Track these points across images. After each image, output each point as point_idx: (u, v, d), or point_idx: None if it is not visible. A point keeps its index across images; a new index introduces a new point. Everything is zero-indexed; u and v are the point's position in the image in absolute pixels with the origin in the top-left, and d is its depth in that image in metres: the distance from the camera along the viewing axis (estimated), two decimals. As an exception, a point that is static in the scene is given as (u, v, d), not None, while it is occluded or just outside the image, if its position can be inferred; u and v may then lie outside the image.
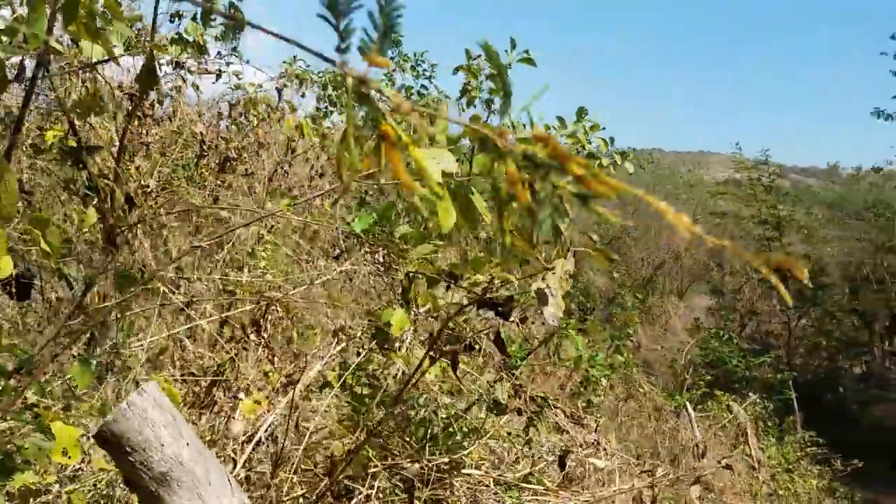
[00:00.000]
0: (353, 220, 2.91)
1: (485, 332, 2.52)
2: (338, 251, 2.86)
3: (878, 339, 19.91)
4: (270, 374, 3.04)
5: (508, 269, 2.12)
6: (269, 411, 2.85)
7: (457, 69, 5.64)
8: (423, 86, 8.24)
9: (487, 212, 2.31)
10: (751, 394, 8.42)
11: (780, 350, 12.49)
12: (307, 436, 2.75)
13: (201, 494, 1.50)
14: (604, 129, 4.46)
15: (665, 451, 5.71)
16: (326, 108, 7.43)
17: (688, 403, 6.27)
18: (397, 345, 2.95)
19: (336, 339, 2.98)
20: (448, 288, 2.28)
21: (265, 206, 3.12)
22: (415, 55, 8.09)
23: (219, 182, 4.21)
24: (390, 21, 0.61)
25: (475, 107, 5.67)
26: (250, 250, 3.21)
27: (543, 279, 1.98)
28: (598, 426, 2.93)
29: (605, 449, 2.85)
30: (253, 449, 2.68)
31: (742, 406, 7.60)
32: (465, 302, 2.30)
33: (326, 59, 0.61)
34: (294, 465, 2.69)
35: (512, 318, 2.17)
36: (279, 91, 4.67)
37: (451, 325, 2.66)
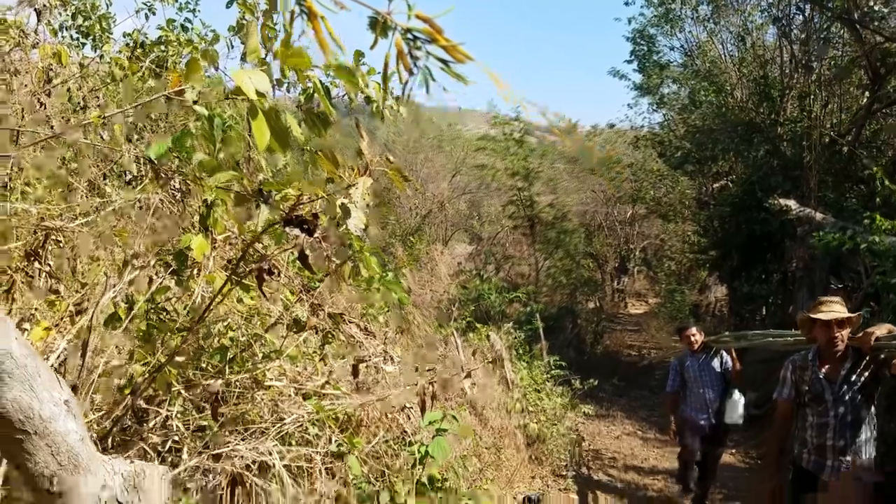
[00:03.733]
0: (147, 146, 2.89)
1: (290, 250, 2.70)
2: (129, 176, 2.82)
3: (609, 278, 23.04)
4: (56, 302, 2.94)
5: (316, 187, 2.32)
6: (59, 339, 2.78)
7: (230, 2, 5.51)
8: (186, 19, 7.83)
9: (300, 134, 2.49)
10: (506, 324, 9.44)
11: (530, 287, 14.02)
12: (103, 361, 2.74)
13: (33, 387, 1.56)
14: (379, 73, 4.69)
15: (436, 374, 6.27)
16: (77, 38, 6.83)
17: (454, 332, 6.93)
18: (195, 272, 3.01)
19: (128, 267, 2.96)
20: (258, 206, 2.42)
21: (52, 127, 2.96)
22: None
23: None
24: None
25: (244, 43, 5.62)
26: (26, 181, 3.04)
27: (347, 195, 2.21)
28: (386, 339, 3.27)
29: (391, 357, 3.20)
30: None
31: (498, 334, 8.54)
32: (268, 224, 2.45)
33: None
34: (90, 389, 2.68)
35: (316, 235, 2.38)
36: (38, 13, 4.28)
37: (254, 247, 2.80)
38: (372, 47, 1.04)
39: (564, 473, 7.31)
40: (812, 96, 12.06)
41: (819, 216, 9.36)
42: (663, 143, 15.18)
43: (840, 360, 3.79)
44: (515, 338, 9.54)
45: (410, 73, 0.89)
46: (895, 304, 6.75)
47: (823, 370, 3.83)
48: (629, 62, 15.37)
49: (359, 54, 4.84)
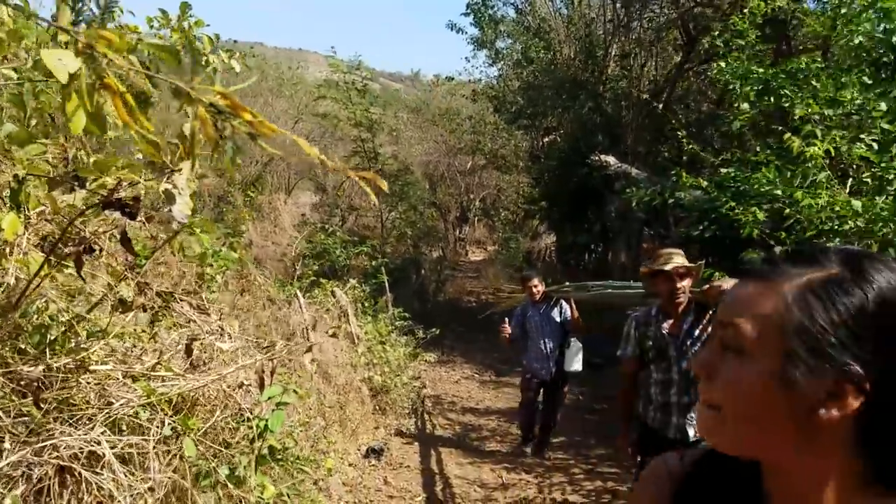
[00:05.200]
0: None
1: (108, 232, 2.60)
2: (-79, 153, 2.56)
3: (452, 227, 23.69)
4: None
5: (136, 171, 2.24)
6: None
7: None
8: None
9: (123, 114, 2.38)
10: (351, 280, 9.51)
11: (375, 241, 14.13)
12: None
13: None
14: (208, 25, 4.50)
15: (279, 335, 6.28)
16: None
17: (298, 291, 6.91)
18: (8, 250, 2.82)
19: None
20: (72, 190, 2.30)
21: None
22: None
23: None
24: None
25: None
26: None
27: (170, 180, 2.17)
28: (221, 315, 3.25)
29: (228, 334, 3.20)
30: None
31: (343, 290, 8.61)
32: (86, 204, 2.35)
33: None
34: None
35: (139, 218, 2.32)
36: None
37: (72, 227, 2.67)
38: (177, 111, 1.06)
39: (403, 424, 7.63)
40: (632, 56, 12.93)
41: (634, 171, 10.18)
42: (498, 97, 15.64)
43: (683, 315, 3.67)
44: (362, 291, 9.65)
45: (216, 143, 0.93)
46: (696, 254, 7.56)
47: (666, 325, 3.70)
48: (466, 15, 15.56)
49: (185, 6, 4.61)
